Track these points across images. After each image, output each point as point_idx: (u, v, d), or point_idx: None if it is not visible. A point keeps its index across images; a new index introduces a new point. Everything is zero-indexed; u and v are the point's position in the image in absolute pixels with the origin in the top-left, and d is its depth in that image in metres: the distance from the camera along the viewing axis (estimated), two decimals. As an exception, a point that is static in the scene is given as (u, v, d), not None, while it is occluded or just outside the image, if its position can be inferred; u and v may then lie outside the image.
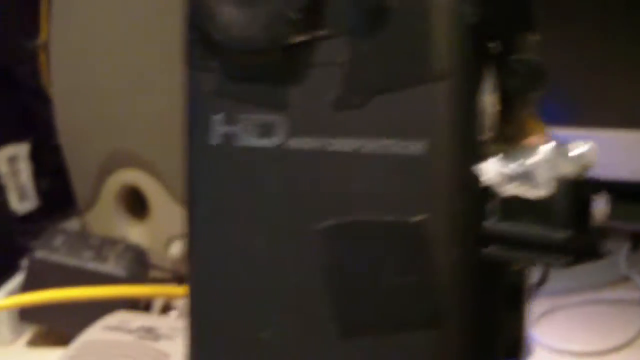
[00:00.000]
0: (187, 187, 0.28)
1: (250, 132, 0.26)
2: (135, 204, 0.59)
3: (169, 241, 0.58)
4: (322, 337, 0.25)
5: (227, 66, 0.26)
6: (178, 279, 0.57)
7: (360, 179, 0.24)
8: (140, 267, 0.54)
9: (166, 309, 0.53)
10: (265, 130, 0.26)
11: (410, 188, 0.23)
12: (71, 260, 0.52)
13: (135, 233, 0.59)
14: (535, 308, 0.53)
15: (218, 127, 0.27)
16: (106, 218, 0.59)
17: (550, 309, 0.53)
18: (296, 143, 0.25)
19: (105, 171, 0.58)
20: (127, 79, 0.57)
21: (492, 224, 0.23)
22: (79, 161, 0.60)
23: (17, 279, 0.54)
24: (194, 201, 0.27)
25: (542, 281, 0.53)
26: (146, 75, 0.56)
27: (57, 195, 0.61)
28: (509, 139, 0.24)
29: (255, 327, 0.26)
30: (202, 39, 0.27)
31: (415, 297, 0.23)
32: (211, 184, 0.27)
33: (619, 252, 0.61)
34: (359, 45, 0.24)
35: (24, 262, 0.54)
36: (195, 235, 0.27)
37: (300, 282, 0.25)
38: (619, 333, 0.51)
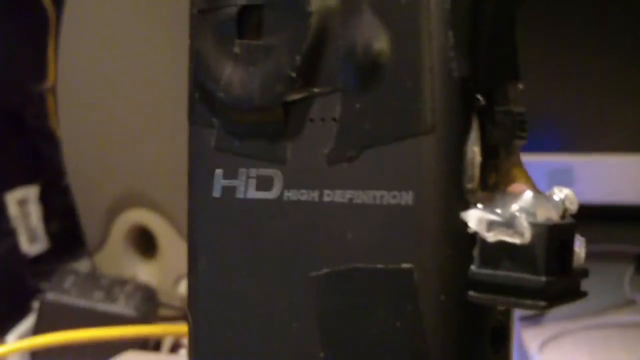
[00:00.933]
0: (189, 239, 0.29)
1: (250, 185, 0.27)
2: (144, 243, 0.60)
3: (178, 279, 0.58)
4: None
5: (227, 122, 0.27)
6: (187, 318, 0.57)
7: (354, 228, 0.25)
8: (150, 306, 0.55)
9: (176, 347, 0.53)
10: (264, 183, 0.27)
11: (400, 236, 0.24)
12: (82, 302, 0.53)
13: (145, 272, 0.60)
14: (540, 333, 0.53)
15: (219, 181, 0.27)
16: (115, 258, 0.60)
17: (555, 334, 0.54)
18: (293, 195, 0.26)
19: (113, 211, 0.59)
20: (134, 119, 0.58)
21: (475, 269, 0.24)
22: (87, 202, 0.61)
23: (29, 321, 0.55)
24: (195, 253, 0.28)
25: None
26: (153, 116, 0.57)
27: (67, 236, 0.62)
28: (494, 187, 0.24)
29: None
30: (204, 96, 0.28)
31: (404, 341, 0.24)
32: (212, 236, 0.28)
33: (624, 275, 0.61)
34: (351, 100, 0.25)
35: (35, 304, 0.55)
36: (195, 286, 0.28)
37: (297, 328, 0.26)
38: (625, 357, 0.51)
